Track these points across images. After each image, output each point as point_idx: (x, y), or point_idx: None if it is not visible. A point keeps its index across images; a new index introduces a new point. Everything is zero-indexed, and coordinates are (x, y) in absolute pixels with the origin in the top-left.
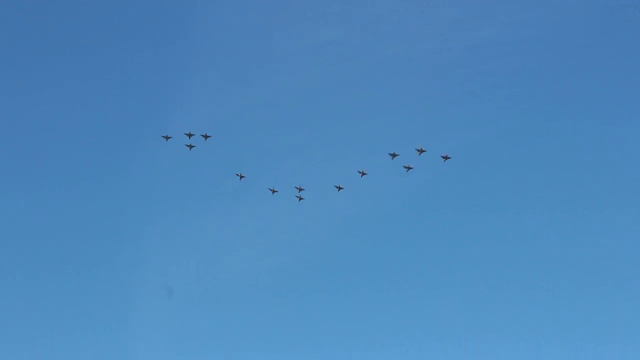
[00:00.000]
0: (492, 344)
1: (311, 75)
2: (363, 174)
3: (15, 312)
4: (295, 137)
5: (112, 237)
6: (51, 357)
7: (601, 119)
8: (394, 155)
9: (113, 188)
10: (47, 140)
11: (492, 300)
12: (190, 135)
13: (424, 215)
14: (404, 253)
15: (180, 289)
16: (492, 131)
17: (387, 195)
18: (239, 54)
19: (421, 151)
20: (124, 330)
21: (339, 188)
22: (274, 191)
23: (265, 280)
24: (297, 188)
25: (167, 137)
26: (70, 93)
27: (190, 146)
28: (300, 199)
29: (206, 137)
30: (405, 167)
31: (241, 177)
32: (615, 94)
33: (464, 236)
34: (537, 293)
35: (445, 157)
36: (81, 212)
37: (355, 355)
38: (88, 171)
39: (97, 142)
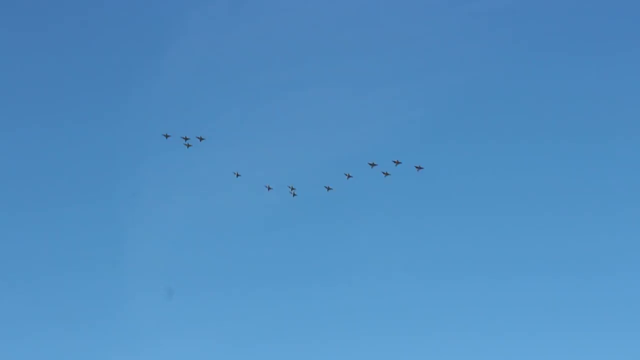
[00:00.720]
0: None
1: None
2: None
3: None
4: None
5: (108, 173)
6: (47, 287)
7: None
8: (372, 165)
9: (109, 123)
10: (42, 68)
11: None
12: (186, 138)
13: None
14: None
15: (176, 224)
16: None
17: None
18: None
19: (397, 163)
20: (118, 268)
21: (328, 189)
22: (269, 188)
23: (264, 215)
24: (290, 187)
25: (166, 136)
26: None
27: (187, 140)
28: (294, 195)
29: (201, 139)
30: (384, 173)
31: (237, 175)
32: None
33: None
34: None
35: (418, 168)
36: (77, 147)
37: (356, 283)
38: (85, 105)
39: (95, 74)
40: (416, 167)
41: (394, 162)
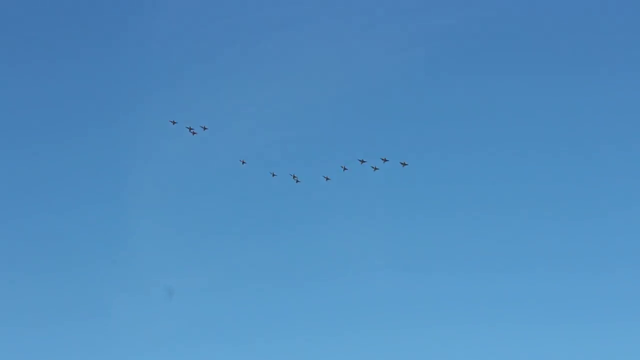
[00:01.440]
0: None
1: None
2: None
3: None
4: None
5: (108, 111)
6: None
7: None
8: (362, 162)
9: (109, 62)
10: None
11: None
12: (191, 129)
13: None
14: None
15: (176, 163)
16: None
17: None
18: None
19: (385, 160)
20: (121, 201)
21: (327, 178)
22: (273, 175)
23: (265, 154)
24: (292, 176)
25: (173, 122)
26: None
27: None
28: (297, 181)
29: (204, 128)
30: (373, 168)
31: (243, 162)
32: None
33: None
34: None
35: (404, 164)
36: (77, 83)
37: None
38: (84, 49)
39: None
40: (401, 163)
41: (382, 159)
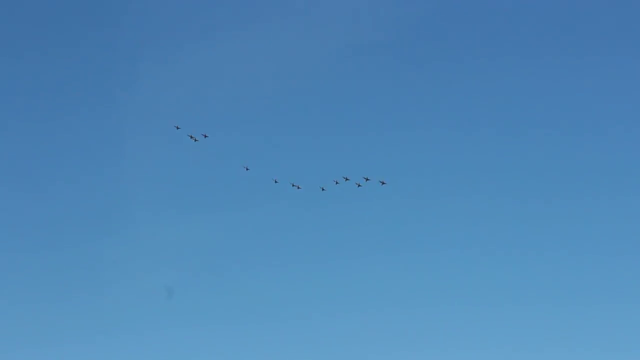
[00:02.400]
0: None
1: None
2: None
3: None
4: None
5: (106, 72)
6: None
7: None
8: (346, 179)
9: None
10: None
11: None
12: (192, 137)
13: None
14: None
15: (175, 112)
16: None
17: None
18: None
19: (367, 179)
20: (118, 166)
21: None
22: (275, 181)
23: (264, 103)
24: (292, 184)
25: (177, 127)
26: None
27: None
28: (298, 187)
29: (205, 136)
30: (357, 184)
31: (247, 169)
32: None
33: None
34: None
35: (382, 183)
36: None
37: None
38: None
39: None
40: (380, 182)
41: (364, 178)
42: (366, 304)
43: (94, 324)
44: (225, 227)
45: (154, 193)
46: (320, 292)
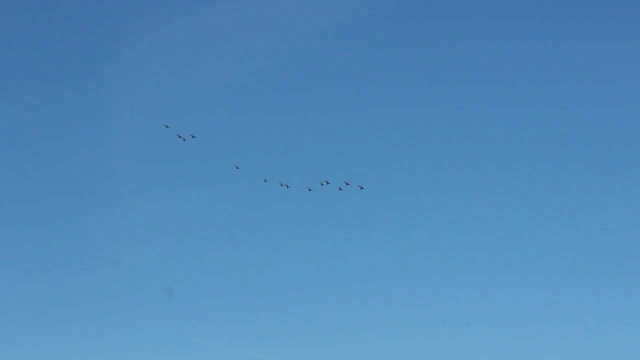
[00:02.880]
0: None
1: None
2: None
3: None
4: None
5: (91, 49)
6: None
7: None
8: (324, 183)
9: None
10: None
11: None
12: (180, 136)
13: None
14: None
15: (162, 90)
16: None
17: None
18: None
19: (347, 184)
20: (106, 152)
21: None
22: (265, 180)
23: (248, 83)
24: (281, 184)
25: (166, 126)
26: None
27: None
28: (288, 186)
29: (193, 136)
30: (338, 188)
31: (237, 167)
32: None
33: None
34: None
35: (361, 187)
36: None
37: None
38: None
39: None
40: (359, 187)
41: (345, 182)
42: (344, 280)
43: (77, 300)
44: (207, 205)
45: (137, 172)
46: (298, 267)
